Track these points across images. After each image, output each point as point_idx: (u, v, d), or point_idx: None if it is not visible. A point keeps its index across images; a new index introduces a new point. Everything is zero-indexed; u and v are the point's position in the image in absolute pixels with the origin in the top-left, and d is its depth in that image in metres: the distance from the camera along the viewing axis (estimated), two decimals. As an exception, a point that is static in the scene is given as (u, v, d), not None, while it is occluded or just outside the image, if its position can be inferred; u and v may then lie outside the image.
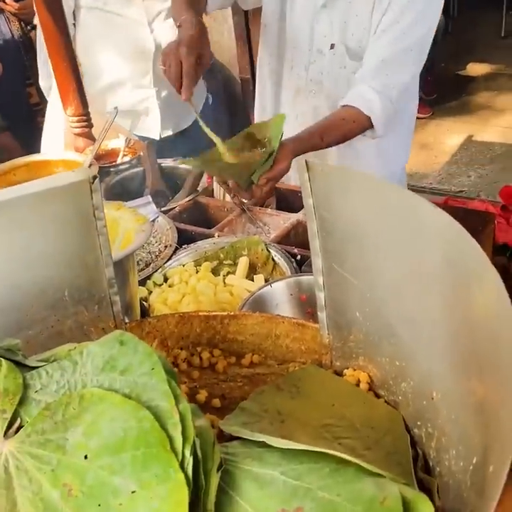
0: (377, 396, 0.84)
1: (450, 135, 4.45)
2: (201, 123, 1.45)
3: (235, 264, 1.48)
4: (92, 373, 0.69)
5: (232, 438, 0.72)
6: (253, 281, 1.43)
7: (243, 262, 1.45)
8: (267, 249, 1.45)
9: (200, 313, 0.97)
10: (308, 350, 0.92)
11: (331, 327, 0.88)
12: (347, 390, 0.84)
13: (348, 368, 0.87)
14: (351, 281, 0.83)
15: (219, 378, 0.93)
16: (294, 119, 1.85)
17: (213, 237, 1.55)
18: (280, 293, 1.26)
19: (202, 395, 0.89)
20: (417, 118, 4.55)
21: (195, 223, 1.66)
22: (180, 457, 0.59)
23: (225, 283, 1.42)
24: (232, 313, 0.96)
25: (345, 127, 1.60)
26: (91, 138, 2.03)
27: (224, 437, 0.74)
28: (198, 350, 0.97)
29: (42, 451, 0.61)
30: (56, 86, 1.94)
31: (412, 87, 1.82)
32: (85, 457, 0.60)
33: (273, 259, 1.44)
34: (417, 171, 4.04)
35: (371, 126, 1.64)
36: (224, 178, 1.49)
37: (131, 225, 1.15)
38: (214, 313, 0.97)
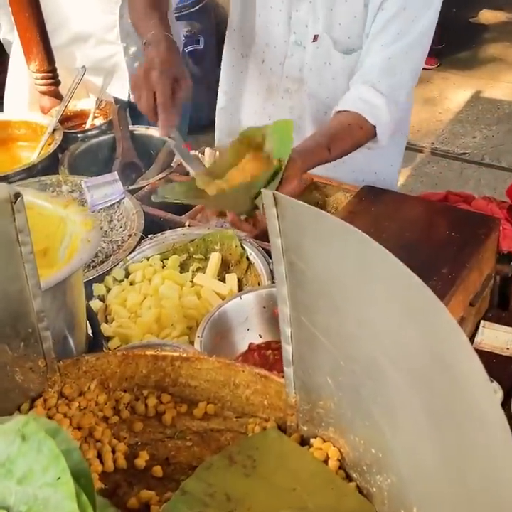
0: (349, 477, 0.70)
1: (456, 90, 4.20)
2: (177, 153, 1.25)
3: (206, 259, 1.33)
4: (-17, 478, 0.54)
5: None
6: (225, 280, 1.28)
7: (215, 259, 1.30)
8: (242, 246, 1.29)
9: (147, 353, 0.82)
10: (272, 407, 0.78)
11: (299, 387, 0.74)
12: (313, 468, 0.71)
13: (316, 437, 0.73)
14: (322, 340, 0.68)
15: (165, 433, 0.80)
16: (267, 119, 1.62)
17: (184, 226, 1.39)
18: (251, 305, 1.11)
19: (142, 459, 0.75)
20: (424, 69, 4.31)
21: (165, 205, 1.49)
22: None
23: (192, 282, 1.27)
24: (184, 355, 0.82)
25: (354, 136, 1.36)
26: (58, 96, 1.84)
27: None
28: (144, 393, 0.83)
29: None
30: (17, 43, 1.73)
31: (434, 22, 1.49)
32: None
33: (248, 258, 1.29)
34: (419, 128, 3.82)
35: (374, 135, 1.39)
36: (219, 209, 1.17)
37: (78, 229, 0.99)
38: (163, 354, 0.82)
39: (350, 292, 0.62)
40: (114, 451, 0.76)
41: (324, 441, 0.72)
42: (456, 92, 4.17)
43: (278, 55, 1.56)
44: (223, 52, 1.72)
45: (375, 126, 1.38)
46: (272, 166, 1.09)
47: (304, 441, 0.75)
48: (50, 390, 0.81)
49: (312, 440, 0.74)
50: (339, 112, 1.39)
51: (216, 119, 1.80)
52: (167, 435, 0.79)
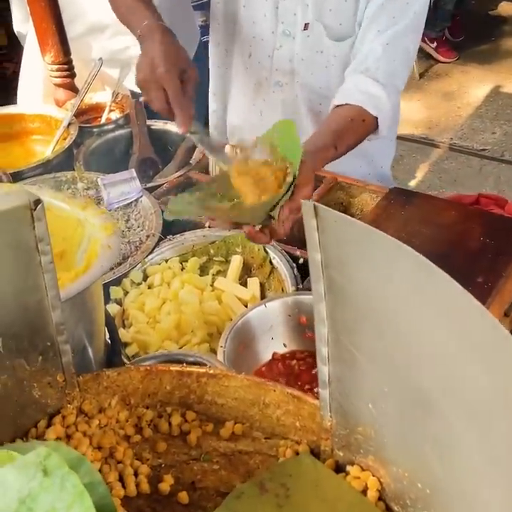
0: (389, 510, 0.65)
1: (476, 84, 4.11)
2: (203, 147, 1.17)
3: (227, 262, 1.28)
4: (2, 517, 0.50)
5: None
6: (246, 284, 1.23)
7: (236, 262, 1.25)
8: (265, 250, 1.24)
9: (172, 368, 0.78)
10: (305, 429, 0.73)
11: (335, 410, 0.69)
12: (350, 499, 0.66)
13: (353, 465, 0.69)
14: (364, 363, 0.63)
15: (190, 454, 0.75)
16: (258, 115, 1.57)
17: (204, 226, 1.34)
18: (276, 313, 1.06)
19: (166, 484, 0.71)
20: (441, 63, 4.26)
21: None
22: None
23: (213, 286, 1.23)
24: (211, 372, 0.77)
25: (357, 130, 1.29)
26: (73, 89, 1.79)
27: None
28: (168, 411, 0.78)
29: None
30: (32, 34, 1.68)
31: (425, 5, 1.42)
32: None
33: (271, 262, 1.24)
34: (437, 123, 3.74)
35: (376, 127, 1.33)
36: (233, 221, 1.07)
37: (98, 234, 0.94)
38: (189, 369, 0.77)
39: (400, 315, 0.57)
40: (136, 474, 0.72)
41: (363, 469, 0.68)
42: (475, 86, 4.08)
43: (266, 47, 1.51)
44: (209, 50, 1.66)
45: (376, 118, 1.32)
46: (285, 171, 1.02)
47: (338, 468, 0.70)
48: (68, 406, 0.77)
49: (348, 467, 0.69)
50: (338, 105, 1.33)
51: (209, 120, 1.75)
52: (192, 457, 0.75)
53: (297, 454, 0.72)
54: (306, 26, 1.44)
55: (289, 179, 1.02)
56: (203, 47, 2.44)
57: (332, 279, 0.63)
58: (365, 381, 0.64)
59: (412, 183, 3.25)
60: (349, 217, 0.59)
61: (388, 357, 0.60)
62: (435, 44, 4.29)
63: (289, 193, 1.02)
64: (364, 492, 0.66)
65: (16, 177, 1.42)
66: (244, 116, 1.62)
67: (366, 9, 1.37)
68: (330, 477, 0.68)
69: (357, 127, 1.30)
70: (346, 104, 1.31)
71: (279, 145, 1.06)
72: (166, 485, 0.70)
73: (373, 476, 0.67)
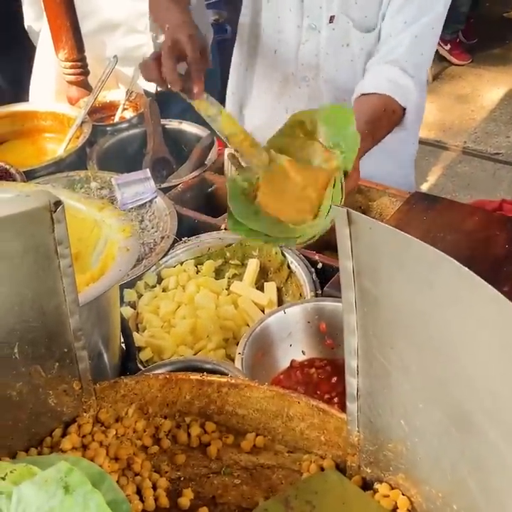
0: (419, 530, 0.63)
1: (490, 87, 4.06)
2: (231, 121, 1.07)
3: (243, 265, 1.25)
4: (21, 538, 0.47)
5: None
6: (263, 289, 1.20)
7: (253, 266, 1.22)
8: (282, 253, 1.21)
9: (192, 377, 0.75)
10: (330, 443, 0.71)
11: (363, 425, 0.66)
12: (379, 518, 0.63)
13: (381, 482, 0.66)
14: (397, 377, 0.61)
15: (210, 467, 0.72)
16: (284, 112, 1.53)
17: (219, 229, 1.31)
18: (295, 320, 1.03)
19: (186, 498, 0.68)
20: (455, 65, 4.22)
21: (199, 205, 1.42)
22: None
23: (228, 290, 1.20)
24: (232, 381, 0.74)
25: (390, 120, 1.27)
26: (86, 87, 1.76)
27: None
28: (187, 421, 0.76)
29: None
30: (46, 30, 1.65)
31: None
32: None
33: (288, 266, 1.21)
34: (450, 126, 3.70)
35: (402, 118, 1.31)
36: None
37: (115, 236, 0.91)
38: (209, 379, 0.75)
39: (438, 327, 0.54)
40: (154, 487, 0.69)
41: (392, 487, 0.65)
42: (489, 89, 4.04)
43: (291, 42, 1.48)
44: (234, 51, 1.63)
45: (404, 108, 1.30)
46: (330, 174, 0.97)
47: (366, 485, 0.68)
48: (84, 414, 0.74)
49: (376, 485, 0.66)
50: (365, 94, 1.30)
51: None
52: (212, 470, 0.72)
53: (322, 469, 0.70)
54: (331, 19, 1.42)
55: (338, 184, 0.96)
56: (216, 45, 2.42)
57: (364, 288, 0.60)
58: (398, 396, 0.61)
59: (425, 187, 3.22)
60: (385, 225, 0.57)
61: (424, 371, 0.57)
62: (449, 46, 4.25)
63: (339, 192, 0.95)
64: (394, 511, 0.64)
65: (29, 175, 1.40)
66: (267, 116, 1.59)
67: (392, 0, 1.35)
68: (357, 495, 0.66)
69: (390, 117, 1.28)
70: (375, 93, 1.29)
71: (330, 134, 1.01)
72: (185, 499, 0.68)
73: (403, 495, 0.64)
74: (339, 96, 1.49)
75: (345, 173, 0.99)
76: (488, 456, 0.52)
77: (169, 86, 1.09)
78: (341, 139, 1.01)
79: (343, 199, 0.94)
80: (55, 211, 0.64)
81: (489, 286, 0.47)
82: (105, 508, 0.47)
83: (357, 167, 1.05)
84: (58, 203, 0.64)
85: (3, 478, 0.51)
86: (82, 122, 1.61)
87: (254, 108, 1.63)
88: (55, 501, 0.48)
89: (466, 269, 0.52)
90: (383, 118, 1.26)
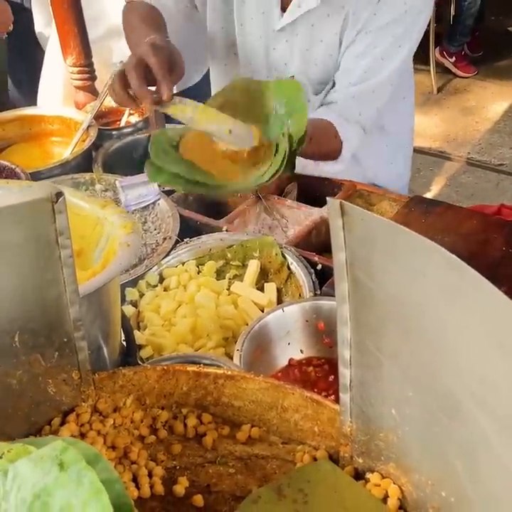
0: (410, 519, 0.64)
1: (495, 100, 4.09)
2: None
3: (244, 266, 1.27)
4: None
5: None
6: (263, 289, 1.22)
7: (253, 267, 1.24)
8: (283, 255, 1.23)
9: (189, 369, 0.76)
10: (323, 434, 0.72)
11: (355, 415, 0.67)
12: (370, 506, 0.64)
13: (373, 472, 0.67)
14: (388, 367, 0.62)
15: (206, 457, 0.74)
16: None
17: (221, 230, 1.33)
18: (293, 319, 1.05)
19: (181, 486, 0.69)
20: (460, 77, 4.25)
21: (201, 208, 1.44)
22: None
23: (229, 290, 1.21)
24: (228, 373, 0.75)
25: (330, 139, 1.33)
26: (93, 92, 1.79)
27: None
28: (183, 412, 0.77)
29: None
30: (54, 36, 1.68)
31: (407, 61, 1.45)
32: None
33: (288, 267, 1.22)
34: (455, 137, 3.72)
35: (340, 152, 1.38)
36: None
37: (117, 232, 0.93)
38: (206, 370, 0.76)
39: (429, 316, 0.55)
40: (150, 475, 0.70)
41: (383, 477, 0.66)
42: (494, 101, 4.06)
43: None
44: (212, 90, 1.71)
45: (342, 143, 1.36)
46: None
47: (358, 475, 0.68)
48: (83, 404, 0.75)
49: (368, 474, 0.67)
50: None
51: None
52: (208, 460, 0.73)
53: (315, 459, 0.71)
54: (292, 78, 1.45)
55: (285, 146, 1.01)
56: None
57: (357, 279, 0.61)
58: (389, 385, 0.62)
59: (429, 196, 3.23)
60: (377, 215, 0.58)
61: (415, 360, 0.58)
62: (454, 59, 4.28)
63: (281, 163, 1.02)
64: (384, 500, 0.65)
65: (35, 177, 1.42)
66: None
67: (343, 58, 1.39)
68: (349, 484, 0.66)
69: (330, 135, 1.34)
70: (320, 118, 1.35)
71: (279, 104, 1.08)
72: (180, 487, 0.69)
73: (394, 483, 0.65)
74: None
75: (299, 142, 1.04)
76: (476, 443, 0.53)
77: (139, 101, 1.13)
78: (290, 108, 1.06)
79: (286, 167, 1.02)
80: (56, 202, 0.66)
81: (478, 274, 0.48)
82: (99, 485, 0.48)
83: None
84: (59, 194, 0.66)
85: (0, 457, 0.53)
86: (89, 126, 1.63)
87: None
88: (49, 478, 0.49)
89: (456, 257, 0.53)
90: (324, 131, 1.33)
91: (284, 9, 1.39)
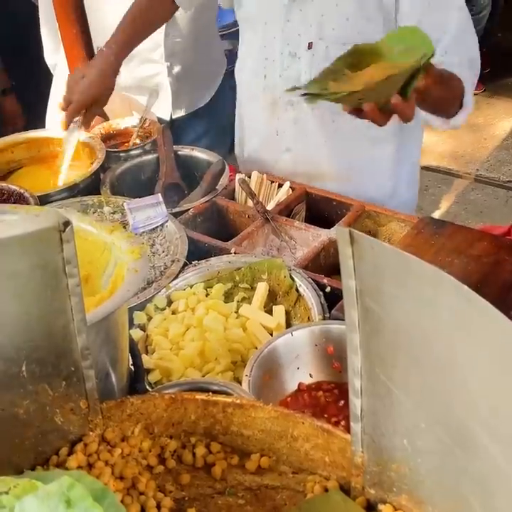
0: (423, 553, 0.62)
1: (502, 116, 4.08)
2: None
3: (252, 289, 1.26)
4: (22, 551, 0.48)
5: None
6: (272, 312, 1.21)
7: (262, 289, 1.23)
8: (291, 277, 1.22)
9: (197, 397, 0.75)
10: (334, 464, 0.71)
11: (367, 445, 0.66)
12: (382, 540, 0.63)
13: (385, 503, 0.66)
14: (400, 397, 0.61)
15: (215, 488, 0.73)
16: (274, 135, 1.62)
17: (229, 252, 1.32)
18: (303, 343, 1.04)
19: (190, 518, 0.68)
20: (467, 94, 4.23)
21: (210, 230, 1.44)
22: None
23: (237, 313, 1.20)
24: (237, 401, 0.75)
25: (459, 87, 1.30)
26: (102, 115, 1.80)
27: None
28: (192, 441, 0.76)
29: None
30: (62, 60, 1.70)
31: None
32: None
33: (297, 290, 1.21)
34: (463, 154, 3.72)
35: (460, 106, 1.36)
36: (359, 103, 1.11)
37: (125, 257, 0.93)
38: (214, 399, 0.75)
39: (440, 346, 0.54)
40: (159, 507, 0.69)
41: (395, 508, 0.65)
42: (501, 118, 4.06)
43: (276, 68, 1.56)
44: (237, 79, 1.73)
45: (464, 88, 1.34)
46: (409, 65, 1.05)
47: (370, 506, 0.67)
48: (91, 433, 0.75)
49: (380, 506, 0.66)
50: None
51: (235, 150, 1.83)
52: (217, 490, 0.72)
53: (326, 490, 0.70)
54: (310, 45, 1.48)
55: (422, 60, 1.05)
56: (230, 75, 2.48)
57: (367, 307, 0.61)
58: (401, 416, 0.61)
59: (437, 214, 3.22)
60: (387, 244, 0.57)
61: (426, 391, 0.57)
62: (461, 76, 4.28)
63: (420, 76, 1.06)
64: (397, 533, 0.63)
65: (43, 200, 1.42)
66: (260, 139, 1.68)
67: (400, 20, 1.39)
68: (361, 517, 0.65)
69: (457, 82, 1.32)
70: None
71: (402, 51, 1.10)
72: (189, 519, 0.68)
73: (407, 516, 0.64)
74: (327, 117, 1.54)
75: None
76: (490, 475, 0.52)
77: None
78: (415, 46, 1.09)
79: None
80: (64, 231, 0.66)
81: (487, 303, 0.48)
82: (107, 523, 0.47)
83: (437, 76, 1.15)
84: (67, 223, 0.66)
85: (7, 493, 0.52)
86: (97, 149, 1.64)
87: (252, 132, 1.70)
88: (56, 515, 0.48)
89: (466, 287, 0.52)
90: (453, 79, 1.29)
91: None
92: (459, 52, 1.36)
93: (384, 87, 1.08)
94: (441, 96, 1.28)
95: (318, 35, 1.46)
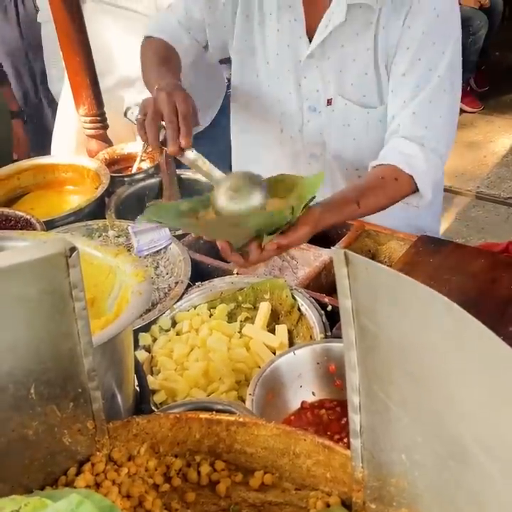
0: None
1: (502, 134, 4.13)
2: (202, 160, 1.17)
3: (255, 309, 1.28)
4: None
5: None
6: (274, 331, 1.23)
7: (264, 309, 1.25)
8: (293, 296, 1.24)
9: (201, 416, 0.77)
10: (335, 480, 0.72)
11: (367, 461, 0.68)
12: (383, 553, 0.64)
13: (386, 518, 0.67)
14: (397, 413, 0.63)
15: (219, 505, 0.74)
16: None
17: (232, 273, 1.35)
18: (305, 361, 1.06)
19: (196, 535, 0.70)
20: (466, 112, 4.29)
21: (212, 251, 1.46)
22: None
23: (241, 333, 1.23)
24: (240, 420, 0.77)
25: (387, 189, 1.29)
26: (106, 140, 1.84)
27: None
28: (197, 459, 0.78)
29: None
30: (66, 88, 1.74)
31: (454, 62, 1.40)
32: None
33: (299, 309, 1.24)
34: (463, 172, 3.75)
35: (415, 189, 1.33)
36: (209, 237, 1.17)
37: (129, 280, 0.95)
38: (218, 417, 0.77)
39: (434, 364, 0.56)
40: (165, 524, 0.71)
41: (396, 523, 0.66)
42: (500, 135, 4.10)
43: (295, 122, 1.53)
44: (231, 129, 1.70)
45: (411, 176, 1.32)
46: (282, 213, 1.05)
47: (371, 521, 0.69)
48: (98, 453, 0.77)
49: (381, 520, 0.68)
50: (375, 166, 1.35)
51: None
52: (222, 507, 0.74)
53: (328, 505, 0.71)
54: (329, 102, 1.46)
55: (287, 213, 1.05)
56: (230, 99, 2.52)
57: (363, 326, 0.63)
58: (398, 431, 0.63)
59: (439, 231, 3.24)
60: (380, 264, 0.60)
61: (422, 406, 0.59)
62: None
63: (278, 230, 1.07)
64: (398, 546, 0.65)
65: (49, 225, 1.45)
66: None
67: (390, 80, 1.39)
68: (362, 530, 0.67)
69: (387, 185, 1.30)
70: (381, 164, 1.33)
71: (299, 193, 1.10)
72: (195, 536, 0.70)
73: (407, 530, 0.65)
74: (350, 170, 1.53)
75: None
76: (484, 489, 0.53)
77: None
78: (303, 196, 1.09)
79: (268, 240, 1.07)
80: (70, 256, 0.68)
81: (480, 323, 0.50)
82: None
83: (309, 224, 1.11)
84: (73, 249, 0.68)
85: (18, 511, 0.54)
86: (101, 173, 1.67)
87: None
88: (66, 531, 0.50)
89: (458, 306, 0.54)
90: (377, 186, 1.29)
91: (310, 37, 1.41)
92: (434, 137, 1.36)
93: (219, 227, 1.11)
94: (350, 216, 1.29)
95: (337, 91, 1.45)
